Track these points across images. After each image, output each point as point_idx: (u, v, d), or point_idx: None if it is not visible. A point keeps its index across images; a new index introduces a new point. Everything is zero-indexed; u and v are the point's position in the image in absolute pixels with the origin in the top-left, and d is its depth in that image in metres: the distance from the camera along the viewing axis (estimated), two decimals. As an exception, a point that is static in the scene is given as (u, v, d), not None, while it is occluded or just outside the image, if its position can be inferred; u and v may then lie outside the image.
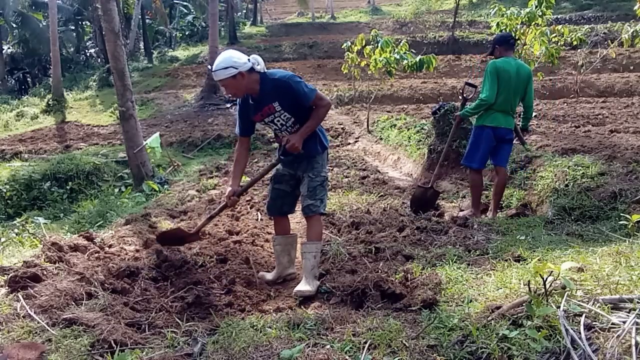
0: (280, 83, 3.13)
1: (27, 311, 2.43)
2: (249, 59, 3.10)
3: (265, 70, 3.18)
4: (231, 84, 3.10)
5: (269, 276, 3.61)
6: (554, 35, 9.19)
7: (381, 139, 11.36)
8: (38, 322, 2.34)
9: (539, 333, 1.82)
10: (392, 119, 12.02)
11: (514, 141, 4.93)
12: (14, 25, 28.34)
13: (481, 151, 4.68)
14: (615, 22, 20.86)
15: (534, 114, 10.57)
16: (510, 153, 4.93)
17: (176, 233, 3.77)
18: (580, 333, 1.79)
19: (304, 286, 3.16)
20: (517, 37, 9.04)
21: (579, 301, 2.03)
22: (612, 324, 1.84)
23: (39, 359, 2.05)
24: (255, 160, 10.61)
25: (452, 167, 7.14)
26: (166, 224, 4.87)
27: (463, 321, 2.17)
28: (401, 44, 11.23)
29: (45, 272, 2.89)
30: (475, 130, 4.74)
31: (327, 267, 3.61)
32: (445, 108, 7.27)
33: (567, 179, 4.86)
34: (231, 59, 3.05)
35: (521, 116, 4.91)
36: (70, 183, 9.37)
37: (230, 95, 3.33)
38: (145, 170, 8.65)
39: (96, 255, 3.47)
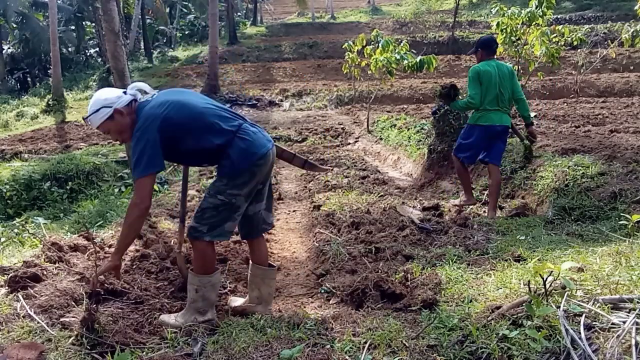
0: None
1: (27, 311, 2.43)
2: (124, 92, 2.58)
3: (148, 99, 2.59)
4: (112, 127, 2.55)
5: (237, 302, 3.05)
6: (554, 35, 9.18)
7: (381, 139, 11.36)
8: (38, 322, 2.34)
9: (539, 333, 1.82)
10: (392, 119, 12.03)
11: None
12: (15, 25, 28.35)
13: (473, 147, 4.82)
14: (615, 22, 20.89)
15: (533, 113, 10.63)
16: (503, 151, 5.00)
17: None
18: (580, 333, 1.79)
19: (170, 318, 2.62)
20: (517, 37, 9.04)
21: (579, 301, 2.03)
22: (612, 324, 1.84)
23: (39, 359, 2.05)
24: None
25: (452, 167, 7.14)
26: (166, 224, 4.87)
27: (463, 321, 2.17)
28: (402, 44, 11.23)
29: (45, 272, 2.88)
30: (468, 127, 4.89)
31: (327, 267, 3.61)
32: (445, 108, 7.27)
33: (567, 179, 4.86)
34: (99, 99, 2.52)
35: (519, 114, 5.03)
36: (70, 183, 9.35)
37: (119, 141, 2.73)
38: (145, 171, 8.63)
39: (96, 255, 3.47)
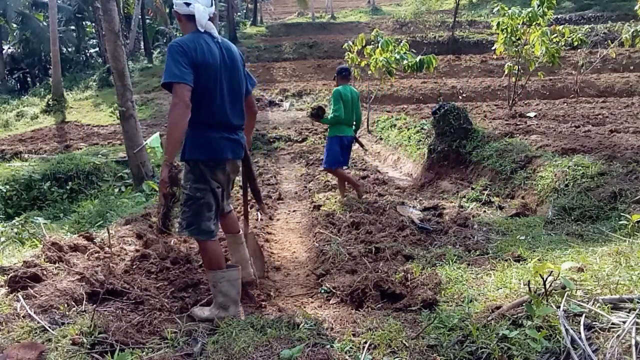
0: None
1: (27, 311, 2.43)
2: (189, 4, 2.63)
3: (200, 30, 2.67)
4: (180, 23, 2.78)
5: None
6: (554, 35, 9.18)
7: (381, 139, 11.36)
8: (38, 322, 2.34)
9: (539, 333, 1.82)
10: (392, 119, 12.03)
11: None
12: (15, 25, 28.35)
13: (338, 154, 5.84)
14: (615, 22, 20.87)
15: (533, 113, 10.64)
16: (350, 155, 6.16)
17: None
18: (580, 333, 1.79)
19: (199, 311, 2.80)
20: (517, 37, 9.04)
21: (579, 301, 2.03)
22: (612, 324, 1.84)
23: (39, 359, 2.05)
24: (256, 160, 10.61)
25: (452, 167, 7.15)
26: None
27: (463, 321, 2.17)
28: (401, 44, 11.23)
29: (45, 272, 2.88)
30: (330, 140, 5.83)
31: (327, 267, 3.61)
32: (445, 108, 7.27)
33: (567, 179, 4.86)
34: None
35: (355, 127, 6.06)
36: (70, 183, 9.36)
37: None
38: (145, 170, 8.64)
39: (96, 255, 3.47)
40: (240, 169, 3.11)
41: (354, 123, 5.93)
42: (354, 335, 2.22)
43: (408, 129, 10.03)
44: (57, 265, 3.06)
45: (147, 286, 3.08)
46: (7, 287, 2.70)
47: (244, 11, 40.78)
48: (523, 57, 9.32)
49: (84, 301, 2.64)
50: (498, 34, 9.27)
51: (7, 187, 8.99)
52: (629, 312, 1.89)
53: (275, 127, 14.94)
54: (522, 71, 9.79)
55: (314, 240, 4.44)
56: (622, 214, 3.71)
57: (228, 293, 2.79)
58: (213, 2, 2.76)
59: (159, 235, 2.83)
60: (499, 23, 9.06)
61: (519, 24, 8.88)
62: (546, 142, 6.33)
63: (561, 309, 1.93)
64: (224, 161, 2.76)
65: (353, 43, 11.98)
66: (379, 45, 10.92)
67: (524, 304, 2.04)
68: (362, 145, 6.46)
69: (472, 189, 6.02)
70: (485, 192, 5.68)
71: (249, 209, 5.69)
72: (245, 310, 2.98)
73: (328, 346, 2.12)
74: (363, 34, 12.11)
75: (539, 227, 4.15)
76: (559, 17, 23.70)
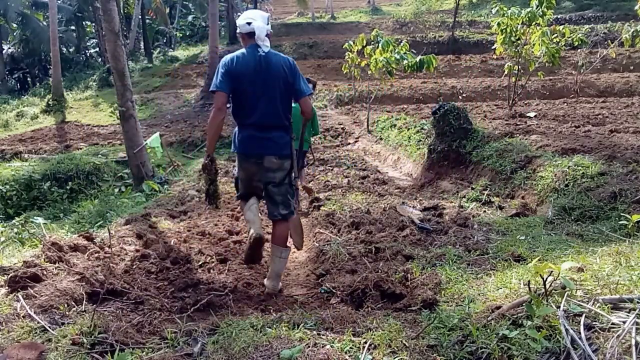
0: None
1: (27, 311, 2.42)
2: (250, 23, 3.22)
3: (259, 44, 3.28)
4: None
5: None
6: (554, 35, 9.17)
7: (381, 139, 11.36)
8: (38, 322, 2.34)
9: (539, 333, 1.82)
10: (392, 119, 12.02)
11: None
12: (15, 25, 28.36)
13: None
14: (615, 22, 20.85)
15: (533, 113, 10.65)
16: (304, 166, 6.40)
17: None
18: (580, 333, 1.79)
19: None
20: (517, 37, 9.04)
21: (579, 301, 2.03)
22: (612, 324, 1.84)
23: (39, 359, 2.05)
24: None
25: (452, 167, 7.15)
26: (166, 224, 4.87)
27: (463, 321, 2.17)
28: (401, 44, 11.23)
29: (45, 272, 2.88)
30: None
31: (327, 267, 3.61)
32: (445, 108, 7.27)
33: (567, 179, 4.86)
34: (243, 15, 3.32)
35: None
36: (70, 183, 9.37)
37: None
38: (145, 170, 8.65)
39: (96, 255, 3.47)
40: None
41: (309, 136, 6.33)
42: (354, 335, 2.22)
43: (408, 129, 10.03)
44: (57, 265, 3.06)
45: (147, 286, 3.08)
46: (7, 287, 2.70)
47: (244, 11, 40.84)
48: (523, 57, 9.32)
49: (84, 301, 2.64)
50: (498, 34, 9.26)
51: (7, 187, 9.00)
52: (629, 312, 1.89)
53: (275, 127, 14.91)
54: (522, 71, 9.78)
55: (314, 240, 4.44)
56: (622, 214, 3.71)
57: (247, 217, 3.40)
58: (269, 21, 3.36)
59: (209, 205, 3.61)
60: (499, 23, 9.06)
61: (518, 24, 8.88)
62: (546, 142, 6.33)
63: (561, 309, 1.93)
64: (251, 155, 3.28)
65: (353, 43, 11.98)
66: (379, 45, 10.91)
67: (524, 304, 2.04)
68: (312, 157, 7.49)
69: (472, 189, 6.02)
70: (485, 192, 5.68)
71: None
72: (246, 311, 2.98)
73: (328, 346, 2.12)
74: (363, 34, 12.10)
75: (539, 227, 4.15)
76: (559, 17, 23.66)
